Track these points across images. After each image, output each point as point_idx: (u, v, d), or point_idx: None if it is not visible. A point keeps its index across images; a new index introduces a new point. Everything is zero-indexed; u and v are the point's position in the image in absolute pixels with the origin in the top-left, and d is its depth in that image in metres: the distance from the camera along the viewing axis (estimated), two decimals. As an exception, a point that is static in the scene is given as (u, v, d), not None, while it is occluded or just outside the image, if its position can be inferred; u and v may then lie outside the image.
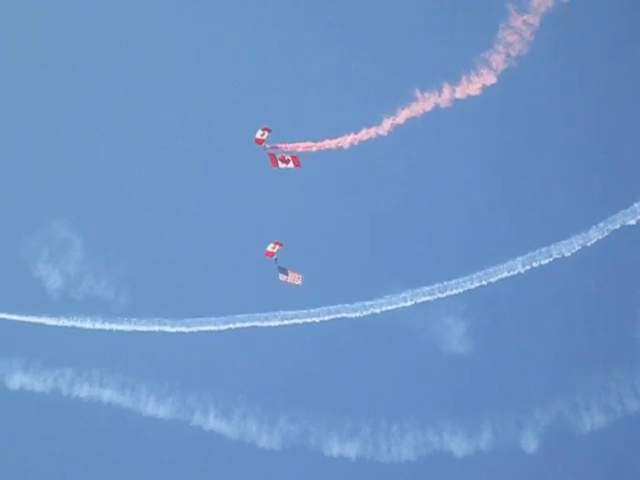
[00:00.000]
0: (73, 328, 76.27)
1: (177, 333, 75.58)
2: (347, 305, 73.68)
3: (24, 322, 76.75)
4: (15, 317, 76.54)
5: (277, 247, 70.35)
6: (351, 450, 75.02)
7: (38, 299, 76.29)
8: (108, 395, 77.04)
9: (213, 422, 75.81)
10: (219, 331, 75.19)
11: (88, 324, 75.94)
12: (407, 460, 73.95)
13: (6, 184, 79.08)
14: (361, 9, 78.00)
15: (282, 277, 71.05)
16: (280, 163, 67.50)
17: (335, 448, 75.16)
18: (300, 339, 75.03)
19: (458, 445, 73.77)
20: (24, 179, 79.05)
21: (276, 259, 70.64)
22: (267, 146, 67.44)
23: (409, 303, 72.57)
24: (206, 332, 75.27)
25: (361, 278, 74.93)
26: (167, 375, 76.56)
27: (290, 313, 74.18)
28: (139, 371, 76.78)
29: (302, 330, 74.01)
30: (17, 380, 76.98)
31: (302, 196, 75.93)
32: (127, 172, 78.90)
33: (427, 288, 72.47)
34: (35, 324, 76.47)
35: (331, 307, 73.76)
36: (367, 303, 73.21)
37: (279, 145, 67.19)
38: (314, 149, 65.93)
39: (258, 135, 67.52)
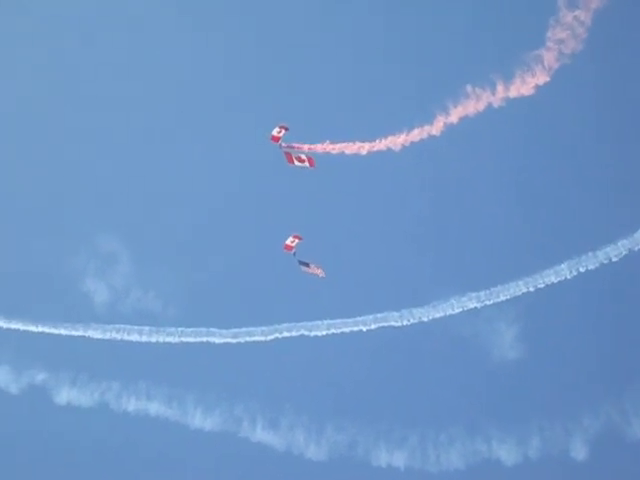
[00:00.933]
0: (120, 341, 76.22)
1: (224, 344, 75.27)
2: (394, 313, 73.38)
3: (71, 336, 76.74)
4: (62, 331, 76.61)
5: (296, 241, 70.21)
6: (399, 460, 74.60)
7: (85, 313, 76.51)
8: (155, 408, 76.74)
9: (260, 433, 75.47)
10: (266, 341, 74.97)
11: (135, 336, 75.90)
12: (456, 469, 73.36)
13: (52, 199, 79.16)
14: (410, 3, 78.27)
15: (303, 269, 71.10)
16: (296, 162, 67.62)
17: (383, 458, 74.75)
18: (347, 348, 74.71)
19: (507, 453, 73.18)
20: (70, 193, 79.28)
21: (294, 253, 70.39)
22: (283, 144, 67.47)
23: (457, 310, 72.34)
24: (253, 342, 75.10)
25: (407, 284, 74.73)
26: (214, 386, 76.48)
27: (337, 322, 73.94)
28: (186, 383, 76.72)
29: (349, 339, 73.68)
30: (64, 395, 76.92)
31: (342, 198, 76.07)
32: (168, 183, 78.90)
33: (475, 294, 72.22)
34: (82, 338, 76.46)
35: (378, 315, 73.50)
36: (414, 310, 72.94)
37: (295, 145, 67.27)
38: (333, 152, 65.86)
39: (275, 132, 67.57)
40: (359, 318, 73.89)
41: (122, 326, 76.26)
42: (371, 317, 73.88)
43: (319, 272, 71.18)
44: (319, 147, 66.64)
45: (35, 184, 79.15)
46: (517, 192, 75.90)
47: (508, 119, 65.44)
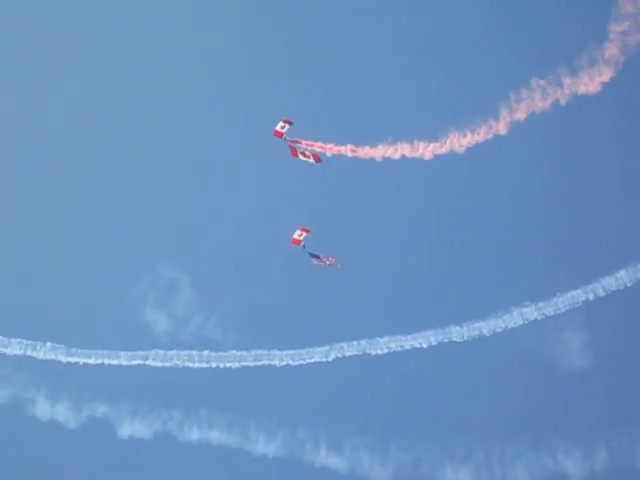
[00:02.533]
0: (181, 368, 76.11)
1: (284, 366, 75.14)
2: (457, 327, 73.21)
3: (132, 366, 76.74)
4: (123, 361, 76.67)
5: (304, 234, 70.01)
6: (465, 476, 73.90)
7: (146, 341, 76.40)
8: (217, 436, 76.36)
9: (324, 456, 74.95)
10: (327, 361, 74.80)
11: (196, 362, 75.85)
12: (523, 485, 72.73)
13: (111, 230, 79.69)
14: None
15: (315, 262, 70.75)
16: (300, 156, 67.75)
17: (449, 476, 74.07)
18: (408, 365, 74.42)
19: (573, 466, 72.48)
20: (128, 224, 79.78)
21: (304, 246, 70.08)
22: (288, 138, 67.58)
23: (518, 322, 72.14)
24: (313, 363, 74.95)
25: (466, 297, 74.62)
26: (276, 410, 75.92)
27: (397, 338, 73.79)
28: (247, 408, 76.19)
29: (409, 355, 73.49)
30: (127, 426, 76.69)
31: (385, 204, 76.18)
32: (215, 207, 79.20)
33: (535, 304, 72.05)
34: (143, 366, 76.44)
35: (439, 330, 73.35)
36: (475, 324, 72.71)
37: (301, 140, 67.47)
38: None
39: (278, 127, 67.75)
40: (419, 334, 73.53)
41: (182, 352, 76.03)
42: (431, 332, 73.51)
43: (333, 262, 70.69)
44: (330, 147, 66.51)
45: (94, 214, 79.36)
46: (576, 197, 75.81)
47: (572, 116, 65.24)
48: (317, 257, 70.55)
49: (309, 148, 66.78)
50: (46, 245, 78.26)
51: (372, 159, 66.20)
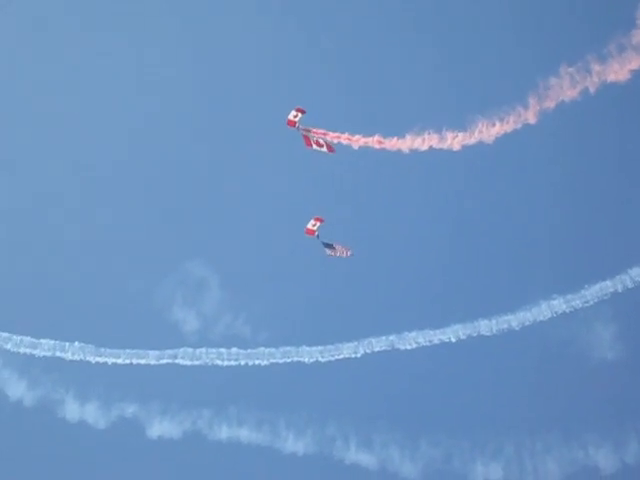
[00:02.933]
0: (210, 366, 76.07)
1: (314, 363, 75.03)
2: (485, 321, 73.02)
3: (161, 365, 76.73)
4: (152, 361, 76.64)
5: (317, 224, 69.57)
6: (496, 471, 73.58)
7: (175, 340, 76.35)
8: (246, 434, 76.23)
9: (354, 452, 74.76)
10: (355, 357, 74.71)
11: (224, 360, 75.80)
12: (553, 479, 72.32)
13: (139, 230, 79.83)
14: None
15: (329, 252, 70.33)
16: (314, 145, 67.50)
17: (480, 470, 73.79)
18: (436, 359, 74.29)
19: (604, 459, 72.12)
20: (156, 224, 79.91)
21: (318, 236, 69.74)
22: (301, 127, 67.39)
23: (547, 314, 71.90)
24: (343, 359, 74.84)
25: (492, 290, 74.50)
26: (305, 407, 75.84)
27: (425, 333, 73.59)
28: (276, 405, 76.09)
29: (438, 350, 73.33)
30: (156, 425, 76.65)
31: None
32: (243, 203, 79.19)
33: (563, 297, 71.82)
34: (172, 365, 76.41)
35: (467, 324, 73.19)
36: (505, 317, 72.48)
37: (313, 130, 67.27)
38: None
39: (291, 117, 67.57)
40: (448, 328, 73.36)
41: (211, 350, 75.99)
42: (460, 326, 73.32)
43: (346, 252, 70.28)
44: (343, 137, 66.20)
45: (122, 213, 79.64)
46: (604, 186, 75.51)
47: (601, 104, 64.79)
48: (331, 247, 70.08)
49: (327, 138, 66.42)
50: (74, 244, 78.71)
51: (399, 151, 65.87)
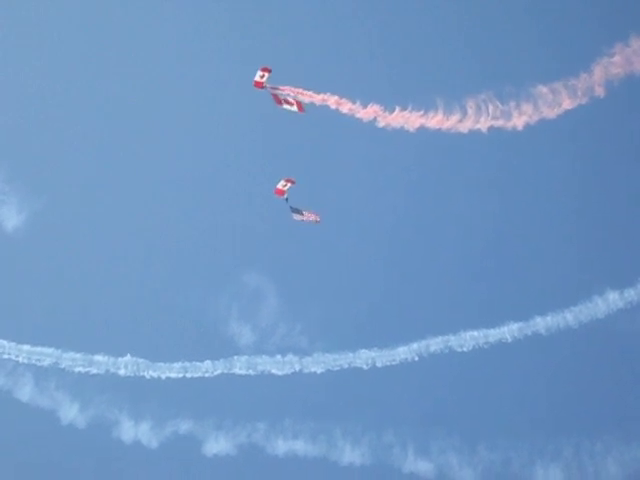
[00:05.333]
0: (265, 376, 75.74)
1: (370, 369, 74.80)
2: (538, 319, 72.94)
3: (214, 377, 76.43)
4: (206, 374, 76.39)
5: (288, 185, 68.26)
6: (556, 474, 72.91)
7: (231, 351, 76.15)
8: (302, 446, 75.54)
9: (412, 460, 74.14)
10: (411, 360, 74.49)
11: (280, 369, 75.54)
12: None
13: (195, 241, 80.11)
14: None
15: (296, 217, 69.07)
16: (284, 104, 66.91)
17: (539, 473, 73.12)
18: (491, 361, 74.06)
19: (665, 458, 71.52)
20: (208, 237, 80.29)
21: (287, 198, 68.51)
22: (268, 86, 66.89)
23: (603, 311, 71.68)
24: (398, 363, 74.62)
25: (546, 286, 74.23)
26: (361, 414, 75.30)
27: (480, 333, 73.45)
28: (331, 413, 75.51)
29: (492, 351, 73.13)
30: (212, 441, 76.09)
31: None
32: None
33: (618, 292, 71.79)
34: (225, 376, 76.05)
35: (522, 324, 73.03)
36: (561, 314, 72.29)
37: (281, 87, 66.70)
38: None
39: (257, 77, 66.92)
40: (504, 328, 73.22)
41: (266, 357, 75.77)
42: (516, 326, 73.21)
43: (313, 217, 69.27)
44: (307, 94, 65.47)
45: (176, 224, 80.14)
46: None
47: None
48: (299, 212, 68.93)
49: (297, 96, 65.92)
50: (127, 257, 78.76)
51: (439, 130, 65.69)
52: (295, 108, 66.59)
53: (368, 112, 63.34)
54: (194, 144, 79.78)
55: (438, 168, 74.38)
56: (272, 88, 66.91)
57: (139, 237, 79.24)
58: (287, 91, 66.17)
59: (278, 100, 67.14)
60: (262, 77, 66.88)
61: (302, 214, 68.71)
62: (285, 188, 68.08)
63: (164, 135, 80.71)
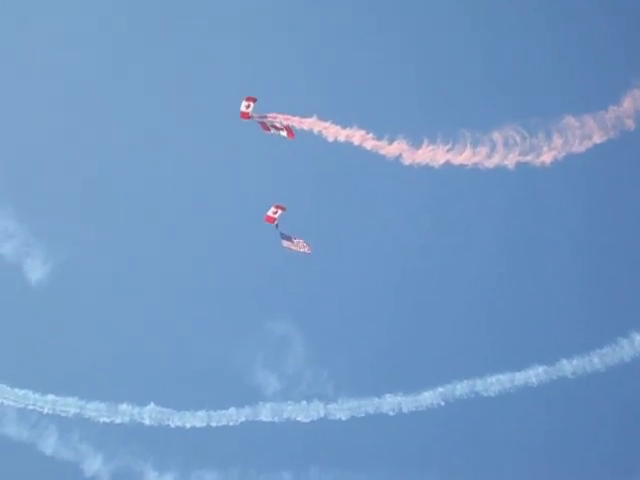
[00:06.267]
0: (290, 422, 75.28)
1: (396, 416, 74.27)
2: (564, 362, 72.19)
3: (239, 425, 76.05)
4: (231, 422, 76.04)
5: (279, 211, 67.34)
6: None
7: (254, 400, 75.81)
8: (329, 497, 74.82)
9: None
10: (437, 405, 73.94)
11: (305, 416, 75.13)
12: None
13: (215, 290, 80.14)
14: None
15: (285, 244, 67.90)
16: (272, 130, 66.16)
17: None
18: (518, 405, 73.29)
19: None
20: (231, 283, 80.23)
21: (277, 224, 67.53)
22: (254, 115, 66.27)
23: (630, 353, 70.87)
24: (424, 409, 74.09)
25: (571, 328, 73.55)
26: (386, 461, 74.64)
27: (505, 376, 72.82)
28: (357, 461, 74.84)
29: (519, 395, 72.35)
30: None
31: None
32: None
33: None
34: (250, 424, 75.65)
35: (548, 367, 72.30)
36: (587, 357, 71.53)
37: (269, 115, 65.99)
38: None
39: (243, 108, 66.30)
40: (530, 371, 72.62)
41: (291, 403, 75.31)
42: (541, 369, 72.57)
43: (304, 248, 68.01)
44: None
45: (199, 273, 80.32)
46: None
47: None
48: (289, 239, 67.88)
49: (286, 122, 65.18)
50: (150, 306, 78.85)
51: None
52: (284, 133, 66.28)
53: (394, 149, 62.77)
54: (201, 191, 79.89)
55: (459, 203, 74.38)
56: (259, 117, 66.54)
57: (162, 286, 79.19)
58: (279, 118, 65.68)
59: (266, 127, 66.78)
60: (247, 107, 66.36)
61: (292, 241, 67.78)
62: (276, 215, 67.50)
63: (174, 177, 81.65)
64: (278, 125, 65.97)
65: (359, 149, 63.99)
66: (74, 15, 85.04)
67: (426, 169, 61.82)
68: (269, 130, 66.73)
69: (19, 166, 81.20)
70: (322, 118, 64.80)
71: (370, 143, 62.78)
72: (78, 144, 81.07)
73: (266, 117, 66.26)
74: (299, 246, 67.88)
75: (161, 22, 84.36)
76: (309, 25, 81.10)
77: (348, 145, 64.02)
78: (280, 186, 73.69)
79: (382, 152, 62.66)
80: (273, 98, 67.63)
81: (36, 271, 79.31)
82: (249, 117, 66.37)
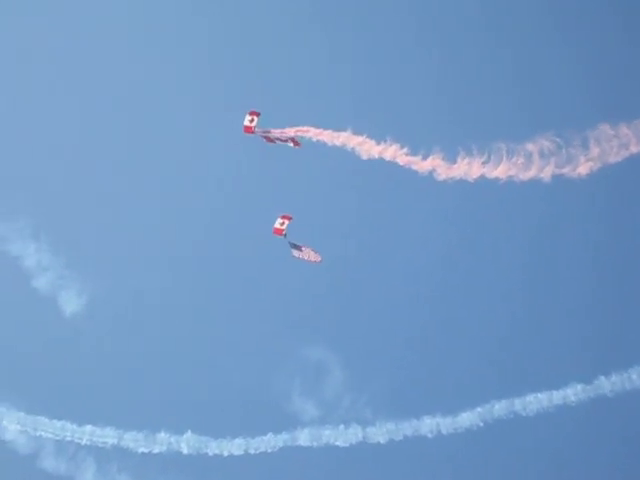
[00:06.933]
0: (328, 447, 74.98)
1: (436, 437, 73.91)
2: (602, 379, 71.71)
3: (277, 452, 75.85)
4: (269, 449, 75.80)
5: (286, 222, 67.21)
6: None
7: (292, 425, 75.60)
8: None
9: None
10: (475, 428, 73.54)
11: (344, 440, 74.90)
12: None
13: (251, 318, 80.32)
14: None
15: (295, 253, 67.66)
16: (276, 141, 65.76)
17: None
18: (557, 424, 72.77)
19: None
20: (267, 310, 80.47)
21: (285, 234, 67.30)
22: (258, 130, 66.03)
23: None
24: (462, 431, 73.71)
25: (613, 344, 73.18)
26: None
27: (543, 395, 72.33)
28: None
29: (559, 413, 71.83)
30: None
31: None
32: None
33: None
34: (288, 450, 75.39)
35: (586, 385, 71.85)
36: (625, 375, 71.13)
37: (272, 130, 65.67)
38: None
39: (246, 122, 66.06)
40: (568, 390, 72.19)
41: (329, 428, 75.04)
42: (580, 387, 72.12)
43: (314, 257, 67.78)
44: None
45: (234, 302, 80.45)
46: None
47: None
48: (297, 248, 67.75)
49: (290, 134, 64.88)
50: (186, 335, 78.91)
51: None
52: (290, 144, 66.05)
53: (428, 164, 62.75)
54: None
55: (492, 217, 74.38)
56: (263, 132, 66.42)
57: (196, 314, 79.39)
58: (286, 133, 65.48)
59: (269, 139, 66.57)
60: (251, 121, 66.26)
61: (301, 250, 67.68)
62: (283, 227, 67.48)
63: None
64: (283, 138, 65.73)
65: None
66: (92, 44, 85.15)
67: (458, 182, 61.79)
68: (273, 142, 66.57)
69: (52, 198, 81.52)
70: (357, 132, 64.56)
71: (404, 159, 62.59)
72: (111, 175, 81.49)
73: (269, 132, 66.20)
74: (309, 255, 67.70)
75: (176, 37, 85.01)
76: (342, 36, 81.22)
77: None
78: (295, 198, 73.85)
79: (415, 167, 62.58)
80: (303, 111, 67.83)
81: (71, 303, 79.66)
82: (252, 132, 66.12)
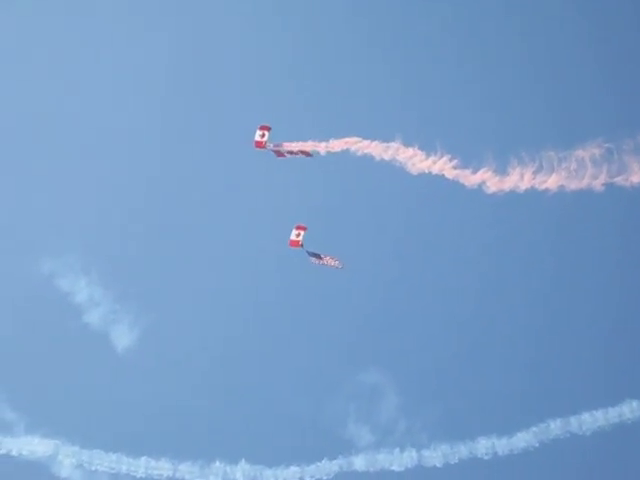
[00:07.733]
0: (383, 472, 74.77)
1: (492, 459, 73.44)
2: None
3: (333, 478, 75.60)
4: (324, 476, 75.64)
5: (301, 232, 66.61)
6: None
7: (347, 449, 75.39)
8: None
9: None
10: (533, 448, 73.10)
11: (399, 464, 74.62)
12: None
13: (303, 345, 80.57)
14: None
15: (315, 261, 67.36)
16: (287, 155, 65.15)
17: None
18: (614, 442, 72.21)
19: None
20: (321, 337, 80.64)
21: (302, 244, 66.72)
22: (270, 145, 65.61)
23: None
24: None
25: None
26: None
27: (597, 413, 71.91)
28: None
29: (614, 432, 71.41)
30: None
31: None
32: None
33: None
34: (344, 474, 75.13)
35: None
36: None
37: (284, 144, 65.21)
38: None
39: (257, 137, 65.54)
40: (624, 407, 71.76)
41: (385, 452, 74.83)
42: (635, 404, 71.68)
43: (334, 263, 67.44)
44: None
45: (288, 330, 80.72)
46: None
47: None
48: (317, 256, 67.56)
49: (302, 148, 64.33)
50: (238, 364, 79.31)
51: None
52: (301, 156, 65.62)
53: (477, 178, 62.58)
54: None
55: (547, 228, 74.33)
56: (275, 146, 66.10)
57: (249, 342, 79.77)
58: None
59: (280, 154, 66.28)
60: (262, 136, 66.00)
61: (320, 258, 67.55)
62: (299, 238, 67.21)
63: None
64: (294, 151, 65.39)
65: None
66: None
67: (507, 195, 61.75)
68: (284, 156, 66.27)
69: (101, 233, 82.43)
70: (406, 143, 64.43)
71: (453, 173, 62.46)
72: (153, 206, 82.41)
73: (281, 145, 65.90)
74: (329, 262, 67.62)
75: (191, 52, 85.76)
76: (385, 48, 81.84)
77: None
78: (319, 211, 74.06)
79: (463, 181, 62.45)
80: (345, 122, 68.11)
81: (123, 338, 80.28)
82: (263, 146, 65.95)
